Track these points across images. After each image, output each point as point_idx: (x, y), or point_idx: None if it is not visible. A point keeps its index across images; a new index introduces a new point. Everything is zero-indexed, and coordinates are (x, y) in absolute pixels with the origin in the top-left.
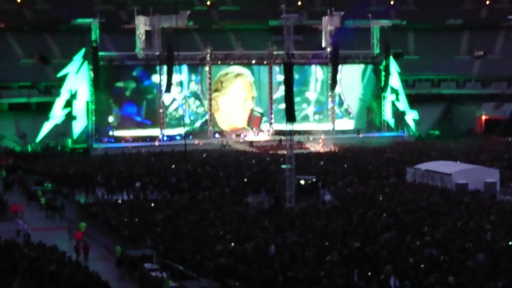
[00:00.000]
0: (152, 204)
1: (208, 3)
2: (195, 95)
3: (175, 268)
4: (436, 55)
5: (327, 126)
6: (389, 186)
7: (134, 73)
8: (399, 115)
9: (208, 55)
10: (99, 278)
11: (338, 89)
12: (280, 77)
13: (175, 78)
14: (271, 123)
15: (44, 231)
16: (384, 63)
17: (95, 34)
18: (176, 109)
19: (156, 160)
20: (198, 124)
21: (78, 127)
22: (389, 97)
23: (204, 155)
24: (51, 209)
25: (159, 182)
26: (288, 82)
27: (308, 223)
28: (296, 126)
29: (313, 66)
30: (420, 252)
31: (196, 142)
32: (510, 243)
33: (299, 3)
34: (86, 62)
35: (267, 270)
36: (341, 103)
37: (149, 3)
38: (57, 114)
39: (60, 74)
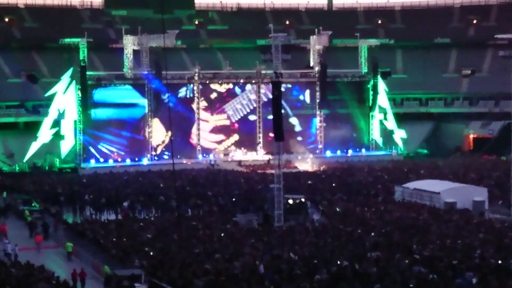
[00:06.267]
0: (141, 224)
1: (196, 22)
2: None
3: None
4: (424, 73)
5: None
6: (377, 205)
7: None
8: (387, 134)
9: (196, 74)
10: None
11: None
12: None
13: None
14: (259, 143)
15: (31, 251)
16: (372, 82)
17: (83, 53)
18: None
19: (144, 179)
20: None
21: (66, 146)
22: (377, 116)
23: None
24: (37, 228)
25: (147, 201)
26: (277, 101)
27: (297, 241)
28: None
29: None
30: (409, 270)
31: (184, 161)
32: (499, 261)
33: (287, 22)
34: (74, 82)
35: None
36: None
37: (137, 22)
38: (45, 133)
39: (48, 94)
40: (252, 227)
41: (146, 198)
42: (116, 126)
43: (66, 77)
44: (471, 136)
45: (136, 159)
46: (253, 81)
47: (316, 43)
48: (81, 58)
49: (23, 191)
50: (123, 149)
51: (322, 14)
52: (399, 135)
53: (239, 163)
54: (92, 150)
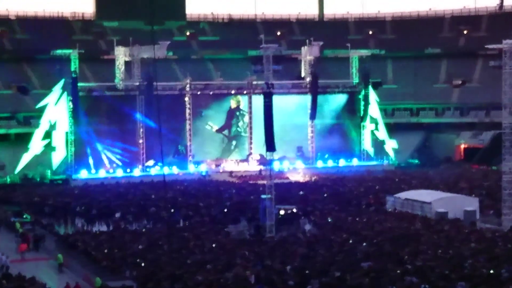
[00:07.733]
0: (132, 235)
1: (188, 33)
2: None
3: None
4: (414, 84)
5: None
6: (369, 215)
7: None
8: (378, 144)
9: (188, 85)
10: None
11: None
12: None
13: None
14: (250, 153)
15: (22, 263)
16: (363, 92)
17: (74, 65)
18: None
19: (136, 190)
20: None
21: (57, 158)
22: (368, 126)
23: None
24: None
25: (139, 212)
26: (268, 112)
27: (289, 252)
28: None
29: None
30: (400, 280)
31: (176, 172)
32: (491, 271)
33: (279, 33)
34: (65, 93)
35: None
36: None
37: (128, 33)
38: (36, 145)
39: (39, 105)
40: (243, 238)
41: (137, 209)
42: (110, 137)
43: (57, 89)
44: (462, 146)
45: (128, 170)
46: (245, 92)
47: (307, 54)
48: (72, 69)
49: (14, 203)
50: (120, 159)
51: (313, 24)
52: (390, 145)
53: (230, 173)
54: (90, 159)
